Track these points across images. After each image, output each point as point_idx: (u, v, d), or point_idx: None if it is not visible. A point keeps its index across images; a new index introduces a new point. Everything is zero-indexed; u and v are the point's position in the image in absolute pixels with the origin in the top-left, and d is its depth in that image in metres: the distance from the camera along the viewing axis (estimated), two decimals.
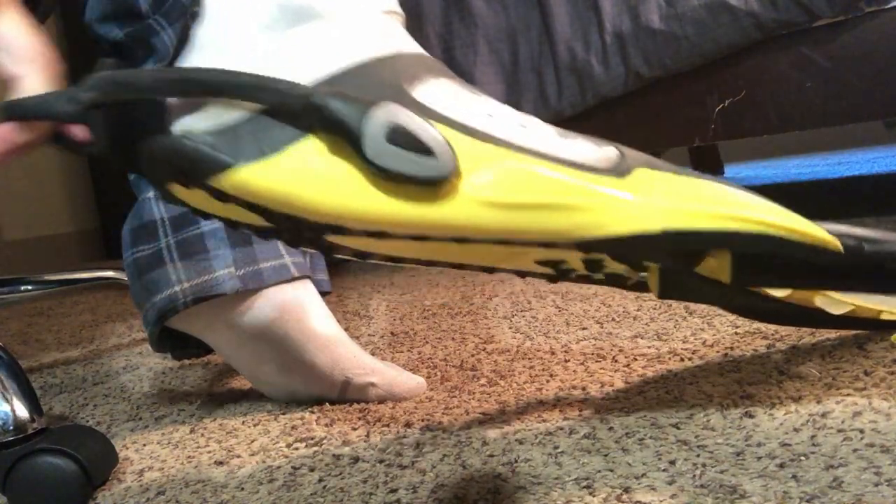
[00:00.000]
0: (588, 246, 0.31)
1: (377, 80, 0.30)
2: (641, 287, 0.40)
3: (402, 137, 0.28)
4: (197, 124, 0.29)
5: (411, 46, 0.34)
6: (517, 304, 0.87)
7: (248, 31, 0.32)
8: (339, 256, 0.34)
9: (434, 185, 0.28)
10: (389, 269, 1.36)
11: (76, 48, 2.44)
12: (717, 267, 0.35)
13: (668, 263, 0.35)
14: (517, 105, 1.20)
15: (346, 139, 0.28)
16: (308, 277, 0.59)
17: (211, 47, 0.32)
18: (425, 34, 1.23)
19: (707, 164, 2.63)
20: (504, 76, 1.20)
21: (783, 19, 0.98)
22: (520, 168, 0.30)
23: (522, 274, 0.37)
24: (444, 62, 1.26)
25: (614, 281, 0.38)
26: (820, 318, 0.47)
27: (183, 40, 0.59)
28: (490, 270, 0.36)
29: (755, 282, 0.39)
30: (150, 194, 0.58)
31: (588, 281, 0.39)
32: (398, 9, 0.36)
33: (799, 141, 3.11)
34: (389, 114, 0.28)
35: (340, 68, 0.30)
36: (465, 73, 1.22)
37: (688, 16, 1.03)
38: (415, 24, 1.24)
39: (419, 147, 0.28)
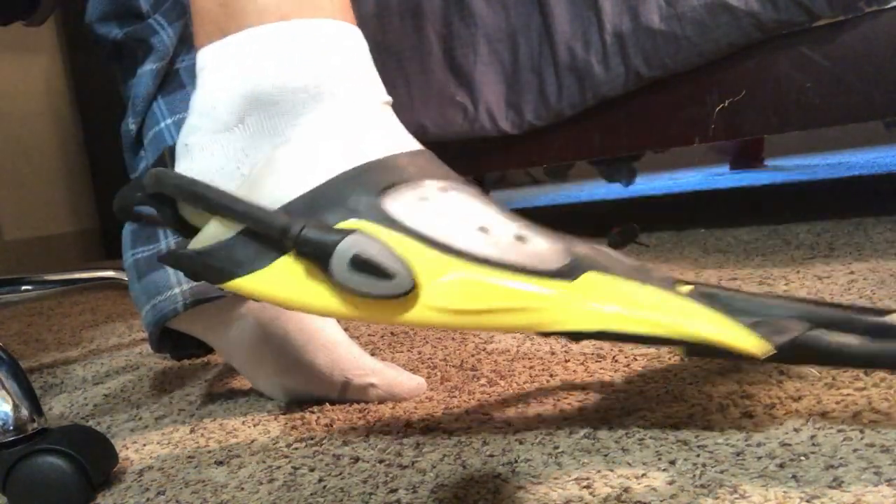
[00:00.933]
0: (545, 334, 0.36)
1: (352, 193, 0.34)
2: None
3: (364, 266, 0.33)
4: (200, 242, 0.36)
5: (396, 142, 0.37)
6: None
7: (231, 144, 0.37)
8: None
9: (395, 299, 0.33)
10: None
11: (76, 48, 2.44)
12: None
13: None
14: (517, 105, 1.20)
15: (317, 265, 0.33)
16: None
17: (200, 156, 0.37)
18: (425, 34, 1.23)
19: (751, 154, 2.61)
20: (504, 76, 1.20)
21: (783, 19, 0.98)
22: (472, 279, 0.34)
23: None
24: (444, 62, 1.25)
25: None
26: None
27: (183, 40, 0.59)
28: None
29: (707, 357, 0.43)
30: None
31: None
32: (388, 98, 0.40)
33: (799, 141, 3.11)
34: (354, 245, 0.33)
35: (319, 183, 0.35)
36: (465, 73, 1.22)
37: (688, 16, 1.03)
38: (415, 24, 1.24)
39: (380, 272, 0.33)
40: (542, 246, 0.36)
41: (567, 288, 0.35)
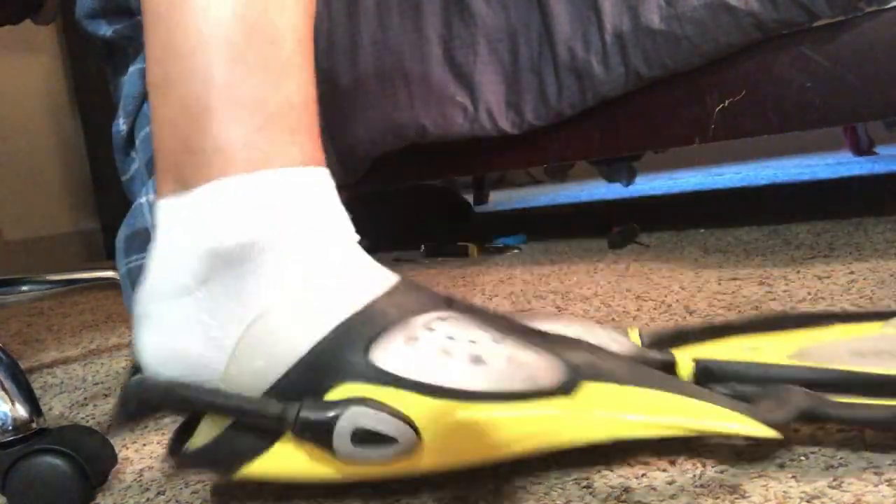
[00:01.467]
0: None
1: (340, 355, 0.34)
2: None
3: (366, 437, 0.33)
4: (199, 440, 0.36)
5: (371, 285, 0.37)
6: (517, 304, 0.87)
7: (194, 308, 0.35)
8: None
9: (401, 456, 0.34)
10: (389, 269, 1.36)
11: (76, 48, 2.44)
12: None
13: None
14: (517, 105, 1.20)
15: (318, 445, 0.34)
16: None
17: (161, 328, 0.36)
18: (425, 34, 1.23)
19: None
20: (504, 76, 1.20)
21: (783, 19, 0.98)
22: (475, 417, 0.34)
23: None
24: (444, 62, 1.24)
25: None
26: None
27: None
28: None
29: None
30: (143, 199, 0.57)
31: None
32: (354, 236, 0.39)
33: (799, 141, 3.11)
34: (352, 420, 0.33)
35: (304, 353, 0.34)
36: (465, 73, 1.22)
37: (688, 16, 1.03)
38: (415, 24, 1.24)
39: (383, 440, 0.33)
40: (536, 363, 0.36)
41: (568, 404, 0.35)
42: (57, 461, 0.44)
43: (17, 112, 2.32)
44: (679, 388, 0.37)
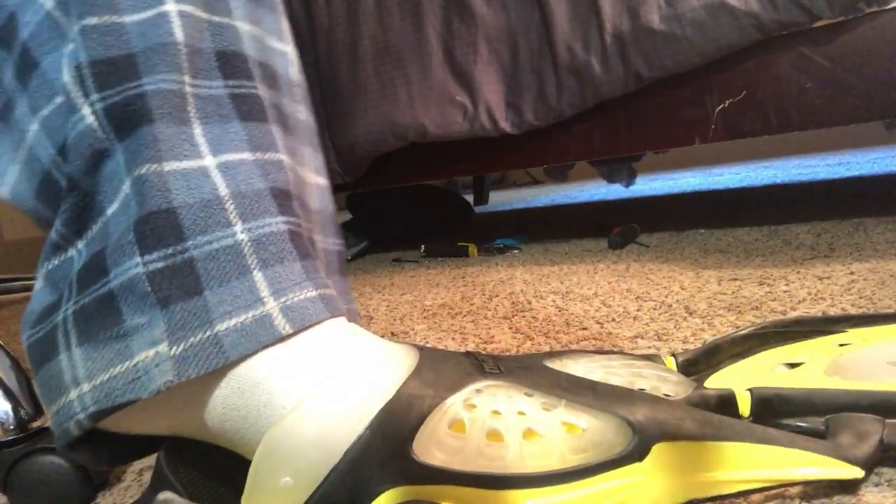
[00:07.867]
0: None
1: (378, 462, 0.31)
2: None
3: None
4: None
5: (388, 367, 0.33)
6: (517, 304, 0.87)
7: None
8: None
9: None
10: (389, 269, 1.36)
11: None
12: None
13: None
14: (517, 105, 1.20)
15: None
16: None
17: None
18: (425, 34, 1.23)
19: None
20: (504, 76, 1.20)
21: (783, 19, 0.98)
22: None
23: None
24: (444, 62, 1.24)
25: None
26: None
27: None
28: None
29: None
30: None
31: None
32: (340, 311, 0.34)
33: (799, 141, 3.12)
34: None
35: (335, 463, 0.30)
36: (465, 73, 1.22)
37: (688, 16, 1.03)
38: (415, 24, 1.24)
39: None
40: (596, 428, 0.33)
41: (644, 471, 0.33)
42: (58, 460, 0.44)
43: None
44: (753, 434, 0.34)
